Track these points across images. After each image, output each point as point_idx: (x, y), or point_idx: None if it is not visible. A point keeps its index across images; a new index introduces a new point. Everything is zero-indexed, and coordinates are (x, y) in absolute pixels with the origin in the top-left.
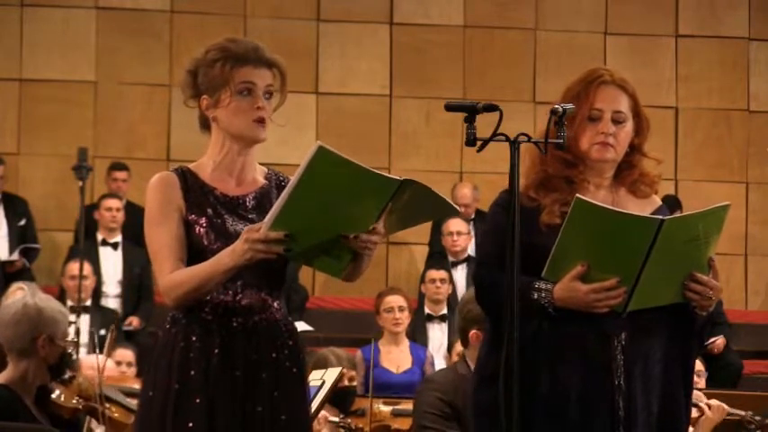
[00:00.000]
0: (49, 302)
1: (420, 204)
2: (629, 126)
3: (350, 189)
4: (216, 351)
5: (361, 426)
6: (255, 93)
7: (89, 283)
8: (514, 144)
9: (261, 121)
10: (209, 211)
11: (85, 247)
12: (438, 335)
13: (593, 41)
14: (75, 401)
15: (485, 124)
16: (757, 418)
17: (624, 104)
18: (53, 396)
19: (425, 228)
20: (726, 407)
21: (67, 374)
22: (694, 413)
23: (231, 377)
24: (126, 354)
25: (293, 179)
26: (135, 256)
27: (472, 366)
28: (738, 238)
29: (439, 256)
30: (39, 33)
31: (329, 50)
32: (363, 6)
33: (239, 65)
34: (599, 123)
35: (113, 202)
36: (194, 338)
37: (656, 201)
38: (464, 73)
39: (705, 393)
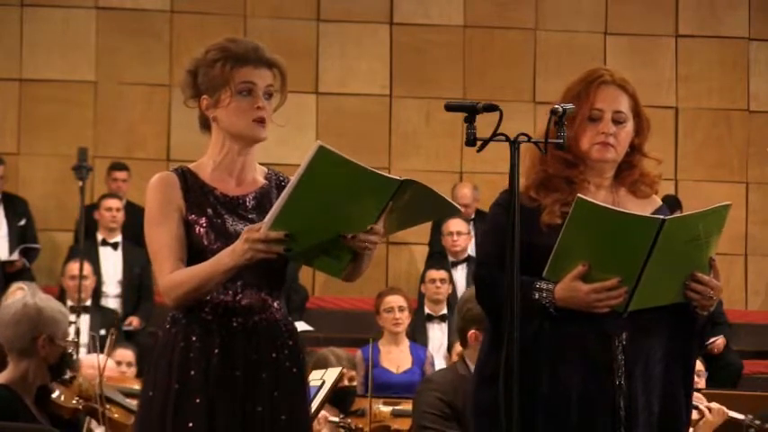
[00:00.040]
0: (49, 302)
1: (421, 204)
2: (629, 126)
3: (350, 189)
4: (216, 351)
5: (361, 426)
6: (255, 93)
7: (89, 283)
8: (514, 144)
9: (261, 120)
10: (209, 211)
11: (85, 247)
12: (438, 335)
13: (593, 41)
14: (75, 402)
15: (485, 124)
16: (757, 422)
17: (624, 104)
18: (53, 396)
19: (425, 228)
20: (726, 410)
21: (68, 375)
22: (695, 415)
23: (231, 377)
24: (126, 354)
25: (293, 179)
26: (135, 256)
27: (471, 366)
28: (738, 238)
29: (439, 256)
30: (39, 33)
31: (329, 50)
32: (363, 6)
33: (239, 65)
34: (599, 123)
35: (113, 202)
36: (194, 338)
37: (657, 201)
38: (464, 73)
39: (705, 393)
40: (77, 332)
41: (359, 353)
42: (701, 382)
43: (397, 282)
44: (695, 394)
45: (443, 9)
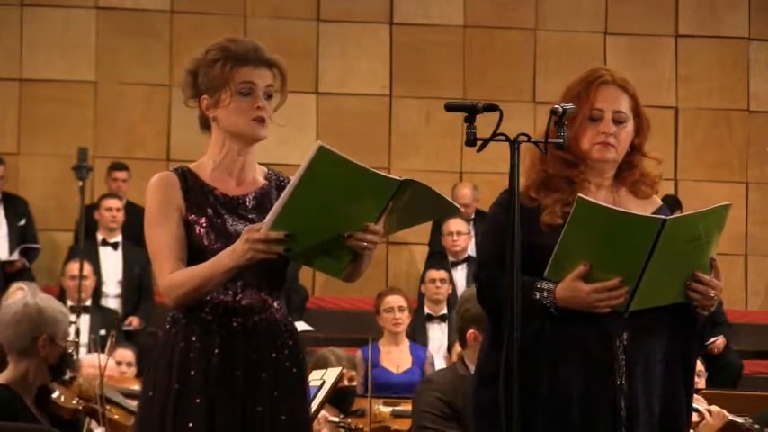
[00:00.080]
0: (49, 302)
1: (421, 204)
2: (629, 126)
3: (350, 189)
4: (216, 351)
5: (361, 426)
6: (255, 93)
7: (89, 283)
8: (514, 144)
9: (261, 120)
10: (209, 211)
11: (85, 247)
12: (438, 335)
13: (593, 41)
14: (75, 402)
15: (485, 124)
16: (756, 426)
17: (625, 104)
18: (53, 396)
19: (425, 228)
20: (726, 413)
21: (68, 375)
22: (695, 418)
23: (231, 377)
24: (126, 354)
25: (294, 179)
26: (135, 256)
27: (471, 366)
28: (738, 238)
29: (439, 256)
30: (39, 33)
31: (329, 50)
32: (363, 6)
33: (239, 65)
34: (600, 123)
35: (113, 202)
36: (194, 338)
37: (657, 201)
38: (464, 73)
39: (705, 393)
40: (77, 332)
41: (359, 353)
42: (701, 382)
43: (397, 282)
44: (695, 396)
45: (443, 9)
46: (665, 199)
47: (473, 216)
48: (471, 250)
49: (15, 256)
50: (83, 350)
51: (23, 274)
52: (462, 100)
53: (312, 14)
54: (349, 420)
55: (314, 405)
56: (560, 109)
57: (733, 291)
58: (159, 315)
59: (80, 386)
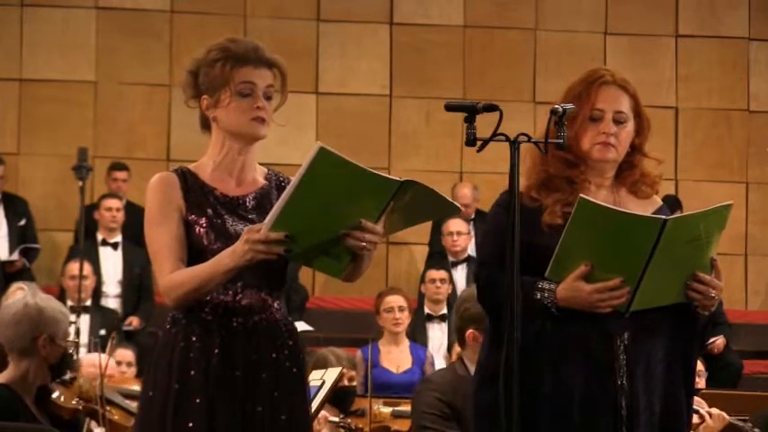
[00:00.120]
0: (49, 302)
1: (421, 204)
2: (630, 126)
3: (350, 190)
4: (216, 351)
5: (361, 426)
6: (255, 93)
7: (89, 283)
8: (514, 144)
9: (261, 120)
10: (209, 211)
11: (85, 247)
12: (438, 335)
13: (593, 41)
14: (74, 402)
15: (485, 124)
16: (756, 430)
17: (625, 105)
18: (53, 396)
19: (425, 228)
20: (726, 416)
21: (68, 375)
22: (695, 420)
23: (231, 377)
24: (126, 354)
25: (294, 180)
26: (135, 256)
27: (470, 366)
28: (738, 238)
29: (439, 256)
30: (39, 33)
31: (329, 50)
32: (363, 6)
33: (239, 65)
34: (600, 123)
35: (113, 202)
36: (194, 338)
37: (657, 201)
38: (464, 73)
39: (705, 393)
40: (77, 332)
41: (359, 353)
42: (701, 382)
43: (397, 282)
44: (696, 399)
45: (443, 9)
46: (666, 199)
47: (473, 216)
48: (471, 250)
49: (15, 256)
50: (83, 350)
51: (23, 274)
52: (462, 100)
53: (312, 14)
54: (349, 420)
55: (314, 405)
56: (560, 109)
57: (733, 291)
58: (159, 315)
59: (80, 387)
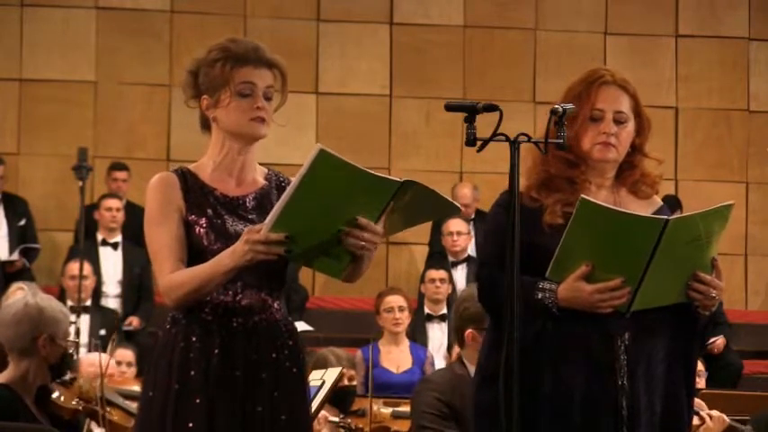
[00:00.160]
0: (49, 302)
1: (421, 204)
2: (630, 126)
3: (350, 191)
4: (216, 351)
5: (361, 426)
6: (255, 93)
7: (89, 283)
8: (514, 144)
9: (260, 120)
10: (209, 211)
11: (85, 247)
12: (438, 335)
13: (593, 41)
14: (75, 403)
15: (485, 124)
16: None
17: (625, 105)
18: (53, 397)
19: (425, 228)
20: (726, 418)
21: (68, 376)
22: (695, 422)
23: (231, 377)
24: (126, 354)
25: (294, 181)
26: (135, 256)
27: (469, 366)
28: (738, 238)
29: (439, 256)
30: (39, 33)
31: (329, 50)
32: (363, 6)
33: (239, 65)
34: (601, 123)
35: (113, 202)
36: (194, 339)
37: (657, 201)
38: (464, 73)
39: (705, 393)
40: (77, 332)
41: (359, 353)
42: (700, 382)
43: (397, 282)
44: (696, 400)
45: (443, 9)
46: (666, 199)
47: (473, 216)
48: (471, 250)
49: (15, 256)
50: (83, 350)
51: (23, 274)
52: (462, 100)
53: (312, 14)
54: (349, 420)
55: (314, 405)
56: (560, 109)
57: (733, 291)
58: (159, 315)
59: (80, 387)
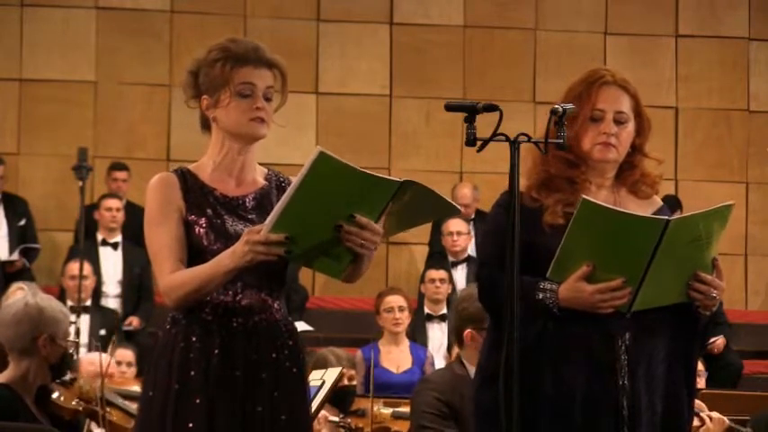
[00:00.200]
0: (50, 302)
1: (421, 205)
2: (630, 126)
3: (350, 192)
4: (216, 351)
5: (361, 426)
6: (255, 93)
7: (89, 283)
8: (514, 144)
9: (260, 120)
10: (209, 211)
11: (85, 247)
12: (438, 335)
13: (593, 41)
14: (75, 403)
15: (485, 124)
16: None
17: (626, 105)
18: (53, 397)
19: (425, 228)
20: (726, 420)
21: (68, 376)
22: (695, 423)
23: (231, 377)
24: (126, 354)
25: (294, 183)
26: (135, 256)
27: (468, 366)
28: (738, 238)
29: (439, 256)
30: (39, 33)
31: (329, 50)
32: (363, 6)
33: (239, 65)
34: (601, 124)
35: (113, 203)
36: (194, 339)
37: (657, 201)
38: (464, 73)
39: (705, 393)
40: (77, 332)
41: (359, 353)
42: (700, 382)
43: (397, 282)
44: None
45: (443, 9)
46: (666, 199)
47: (473, 216)
48: (471, 250)
49: (15, 256)
50: (83, 350)
51: (23, 274)
52: (462, 100)
53: (312, 14)
54: (349, 420)
55: (314, 405)
56: (560, 109)
57: (733, 291)
58: (159, 315)
59: (80, 387)
